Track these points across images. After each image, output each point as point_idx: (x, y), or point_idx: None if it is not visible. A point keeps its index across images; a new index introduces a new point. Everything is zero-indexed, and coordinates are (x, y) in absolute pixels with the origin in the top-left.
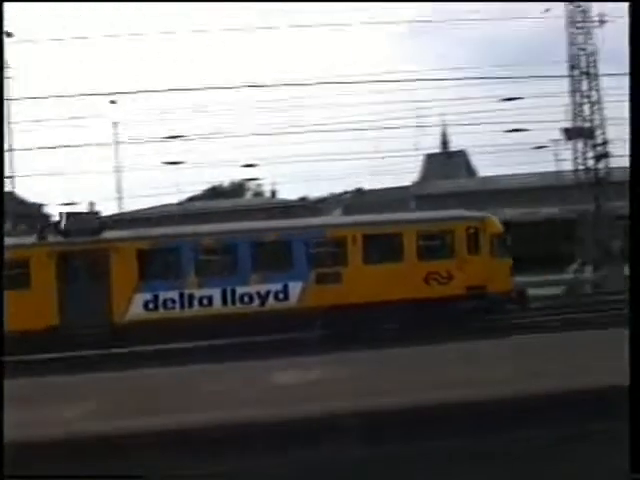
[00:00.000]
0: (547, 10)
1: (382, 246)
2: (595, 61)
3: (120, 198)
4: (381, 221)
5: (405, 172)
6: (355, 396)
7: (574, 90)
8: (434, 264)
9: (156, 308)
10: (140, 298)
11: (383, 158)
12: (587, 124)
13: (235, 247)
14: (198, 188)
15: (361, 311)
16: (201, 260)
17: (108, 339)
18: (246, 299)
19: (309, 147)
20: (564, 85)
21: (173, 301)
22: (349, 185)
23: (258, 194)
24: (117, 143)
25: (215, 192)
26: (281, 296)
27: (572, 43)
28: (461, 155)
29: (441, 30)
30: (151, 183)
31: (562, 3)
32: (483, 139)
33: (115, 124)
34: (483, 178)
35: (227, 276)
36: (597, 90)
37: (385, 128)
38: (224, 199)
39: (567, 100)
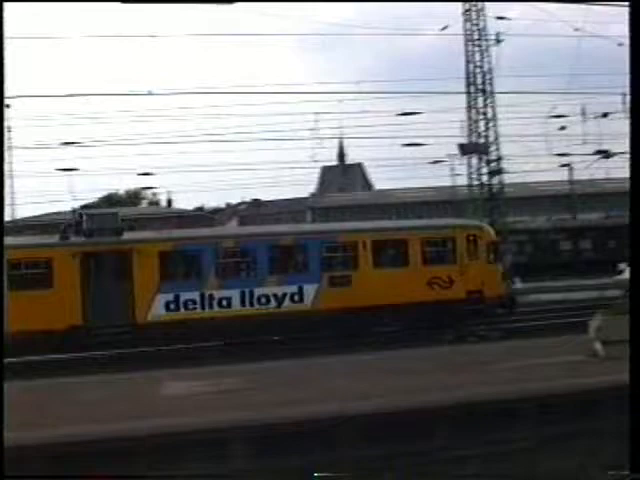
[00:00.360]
0: (445, 27)
1: (393, 249)
2: (491, 78)
3: (13, 205)
4: (389, 227)
5: (302, 184)
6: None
7: (470, 106)
8: (443, 269)
9: (177, 309)
10: (162, 299)
11: (282, 169)
12: (482, 140)
13: (254, 250)
14: (93, 196)
15: (369, 313)
16: (221, 262)
17: (131, 339)
18: (263, 300)
19: (206, 157)
20: (462, 101)
21: (194, 302)
22: (246, 196)
23: (154, 203)
24: (9, 148)
25: (110, 200)
26: (295, 298)
27: (469, 60)
28: (357, 168)
29: (344, 43)
30: (45, 190)
31: (460, 21)
32: (381, 152)
33: (8, 128)
34: (378, 191)
35: (246, 279)
36: (492, 107)
37: (284, 139)
38: (119, 207)
39: (464, 116)
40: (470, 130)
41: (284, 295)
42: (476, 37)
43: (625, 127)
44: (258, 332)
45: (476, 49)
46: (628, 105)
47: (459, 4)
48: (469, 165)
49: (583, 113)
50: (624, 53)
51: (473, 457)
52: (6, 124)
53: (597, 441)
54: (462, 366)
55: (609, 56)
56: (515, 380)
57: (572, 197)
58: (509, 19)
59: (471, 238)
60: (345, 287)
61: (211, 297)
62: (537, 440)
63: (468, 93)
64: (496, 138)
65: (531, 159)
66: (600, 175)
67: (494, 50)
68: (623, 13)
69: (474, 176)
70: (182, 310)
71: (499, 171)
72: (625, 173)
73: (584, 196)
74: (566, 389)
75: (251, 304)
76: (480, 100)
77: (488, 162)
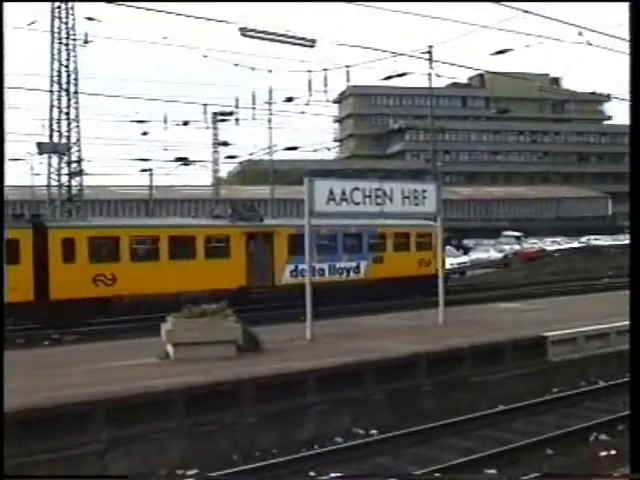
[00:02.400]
0: (33, 22)
1: (400, 240)
2: (76, 79)
3: None
4: (402, 224)
5: None
6: None
7: (53, 105)
8: (421, 254)
9: (297, 276)
10: (288, 268)
11: None
12: (64, 140)
13: (335, 236)
14: None
15: (392, 282)
16: (321, 243)
17: (272, 297)
18: (339, 271)
19: None
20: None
21: (300, 271)
22: None
23: None
24: None
25: None
26: (352, 271)
27: (55, 59)
28: None
29: None
30: None
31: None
32: None
33: None
34: None
35: (331, 255)
36: (76, 107)
37: None
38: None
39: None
40: (51, 129)
41: (349, 268)
42: (64, 35)
43: (205, 136)
44: (337, 293)
45: (63, 48)
46: (209, 115)
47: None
48: (49, 165)
49: (165, 120)
50: (197, 64)
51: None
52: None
53: (165, 441)
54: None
55: (192, 67)
56: (87, 384)
57: (149, 202)
58: (100, 21)
59: (435, 234)
60: (380, 264)
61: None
62: (106, 443)
63: (51, 92)
64: (78, 139)
65: (112, 162)
66: (180, 181)
67: (81, 50)
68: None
69: (54, 176)
70: (299, 277)
71: (79, 172)
72: (204, 180)
73: (164, 201)
74: (128, 392)
75: (334, 274)
76: (64, 100)
77: (69, 163)
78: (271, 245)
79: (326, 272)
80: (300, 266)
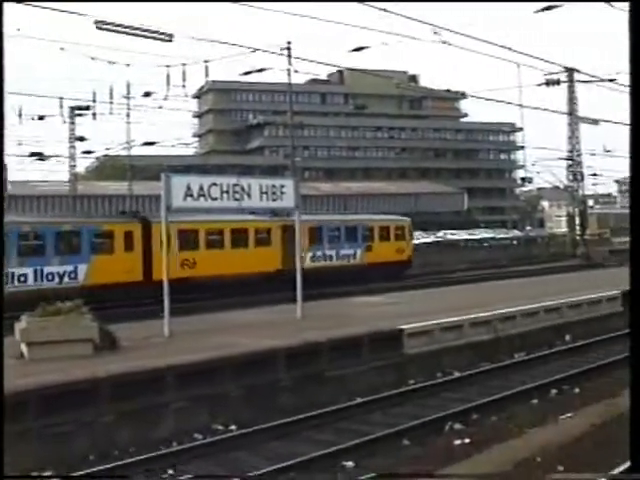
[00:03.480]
0: None
1: (383, 231)
2: None
3: None
4: (385, 219)
5: None
6: None
7: None
8: (398, 243)
9: (314, 261)
10: (309, 255)
11: None
12: None
13: (339, 228)
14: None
15: (378, 266)
16: (329, 234)
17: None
18: (342, 257)
19: None
20: None
21: (319, 257)
22: None
23: None
24: None
25: None
26: (351, 257)
27: None
28: None
29: None
30: None
31: None
32: None
33: None
34: None
35: (335, 243)
36: None
37: None
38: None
39: None
40: None
41: (349, 254)
42: None
43: (62, 131)
44: (340, 276)
45: None
46: (66, 109)
47: None
48: None
49: (20, 114)
50: (54, 57)
51: None
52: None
53: (16, 444)
54: None
55: (49, 60)
56: None
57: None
58: None
59: (408, 226)
60: (370, 251)
61: (325, 254)
62: None
63: None
64: None
65: None
66: (36, 177)
67: None
68: None
69: None
70: (316, 262)
71: None
72: (61, 176)
73: (19, 197)
74: None
75: (338, 259)
76: None
77: None
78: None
79: (334, 258)
80: (317, 253)
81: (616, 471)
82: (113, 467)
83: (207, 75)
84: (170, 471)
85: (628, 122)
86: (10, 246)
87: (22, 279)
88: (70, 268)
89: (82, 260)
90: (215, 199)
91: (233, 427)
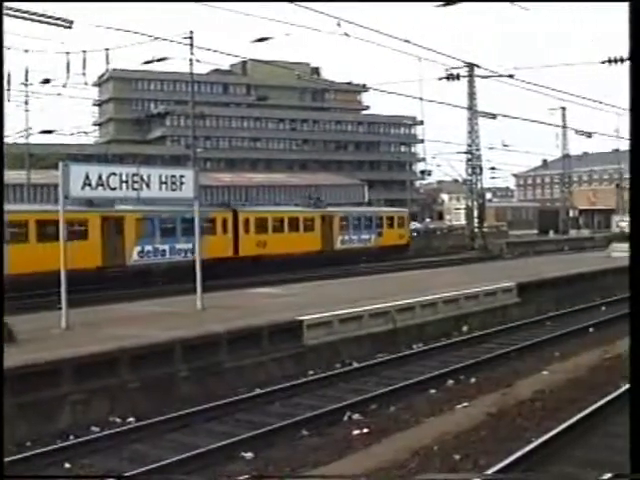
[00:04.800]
0: None
1: (390, 221)
2: None
3: None
4: (391, 211)
5: None
6: None
7: None
8: (400, 230)
9: (343, 243)
10: (339, 238)
11: None
12: None
13: (360, 218)
14: None
15: (386, 249)
16: (353, 222)
17: (332, 257)
18: (362, 241)
19: None
20: None
21: (346, 240)
22: None
23: None
24: None
25: None
26: (368, 241)
27: None
28: None
29: None
30: None
31: None
32: None
33: None
34: None
35: (357, 230)
36: None
37: None
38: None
39: None
40: None
41: (367, 238)
42: None
43: None
44: (360, 256)
45: None
46: None
47: None
48: None
49: None
50: None
51: None
52: None
53: None
54: None
55: None
56: None
57: None
58: None
59: (407, 216)
60: (381, 236)
61: (351, 238)
62: None
63: None
64: None
65: None
66: None
67: None
68: None
69: None
70: (344, 245)
71: None
72: None
73: None
74: None
75: (359, 243)
76: None
77: None
78: (331, 224)
79: (356, 241)
80: (345, 237)
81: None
82: (9, 462)
83: (108, 63)
84: (67, 465)
85: (525, 117)
86: (154, 228)
87: (162, 254)
88: (190, 246)
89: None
90: (114, 189)
91: (131, 419)
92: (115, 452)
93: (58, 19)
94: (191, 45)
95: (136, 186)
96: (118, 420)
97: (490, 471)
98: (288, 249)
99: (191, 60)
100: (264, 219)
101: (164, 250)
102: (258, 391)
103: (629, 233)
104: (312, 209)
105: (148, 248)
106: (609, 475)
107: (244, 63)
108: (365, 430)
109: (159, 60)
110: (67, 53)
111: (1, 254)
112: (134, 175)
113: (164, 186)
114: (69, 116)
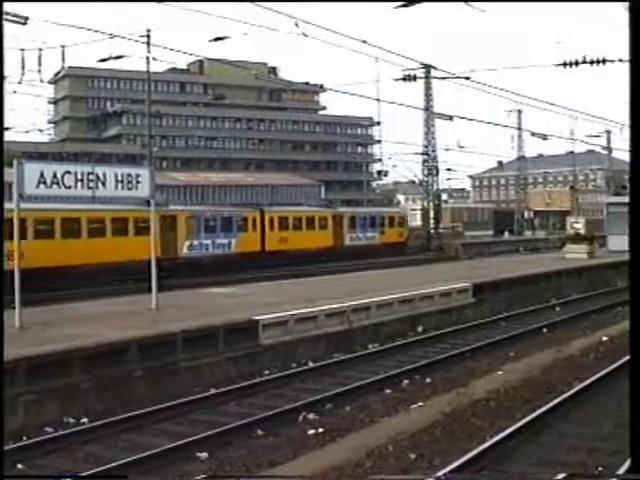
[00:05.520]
0: None
1: (391, 220)
2: None
3: None
4: (392, 211)
5: None
6: None
7: None
8: (399, 229)
9: (351, 241)
10: (348, 236)
11: None
12: None
13: (365, 217)
14: None
15: (389, 245)
16: (360, 222)
17: (341, 252)
18: (367, 238)
19: None
20: None
21: (353, 237)
22: None
23: None
24: None
25: None
26: (372, 238)
27: None
28: None
29: None
30: None
31: None
32: None
33: None
34: None
35: (364, 229)
36: None
37: None
38: None
39: None
40: None
41: (371, 236)
42: None
43: None
44: (366, 252)
45: None
46: None
47: None
48: None
49: None
50: None
51: None
52: None
53: None
54: None
55: None
56: None
57: None
58: None
59: (403, 215)
60: (383, 235)
61: (358, 236)
62: None
63: None
64: None
65: None
66: None
67: None
68: None
69: None
70: (353, 242)
71: None
72: None
73: None
74: None
75: (365, 240)
76: None
77: None
78: (341, 222)
79: (362, 239)
80: (352, 235)
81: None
82: None
83: (64, 60)
84: (20, 466)
85: (481, 119)
86: (200, 226)
87: (206, 247)
88: (227, 241)
89: (233, 236)
90: (69, 187)
91: (85, 420)
92: (69, 453)
93: (13, 15)
94: (148, 43)
95: (91, 185)
96: (72, 421)
97: (444, 470)
98: (305, 245)
99: (148, 58)
100: (286, 218)
101: (207, 244)
102: (213, 391)
103: (629, 233)
104: (325, 209)
105: (195, 242)
106: (563, 475)
107: (201, 62)
108: (320, 430)
109: (116, 58)
110: (22, 50)
111: (1, 254)
112: (89, 174)
113: (120, 185)
114: (24, 114)
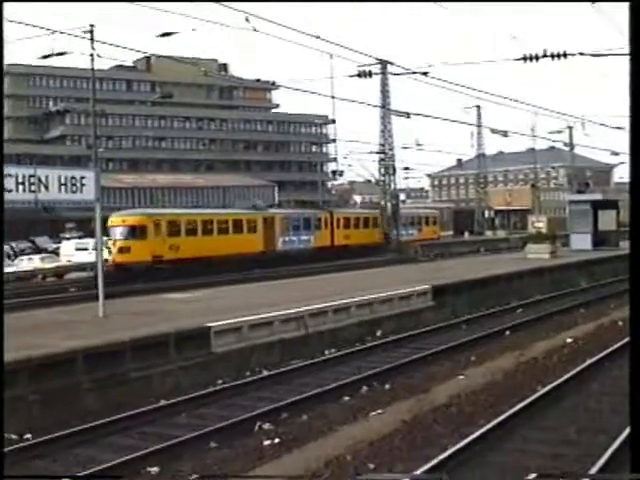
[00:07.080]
0: None
1: (425, 220)
2: None
3: None
4: (426, 212)
5: None
6: None
7: None
8: (434, 227)
9: (400, 236)
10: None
11: None
12: None
13: (409, 217)
14: None
15: (423, 241)
16: (404, 222)
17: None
18: (409, 235)
19: None
20: None
21: (402, 234)
22: None
23: None
24: None
25: None
26: (412, 235)
27: None
28: None
29: None
30: None
31: None
32: None
33: None
34: None
35: (407, 227)
36: None
37: None
38: None
39: None
40: None
41: (411, 233)
42: None
43: None
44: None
45: None
46: None
47: None
48: None
49: None
50: None
51: None
52: None
53: None
54: None
55: None
56: None
57: None
58: None
59: (438, 217)
60: (420, 232)
61: (407, 232)
62: None
63: None
64: None
65: None
66: None
67: None
68: None
69: None
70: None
71: None
72: None
73: None
74: None
75: (407, 236)
76: None
77: None
78: (375, 222)
79: (408, 235)
80: (402, 232)
81: None
82: None
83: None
84: None
85: (439, 116)
86: (289, 225)
87: (293, 243)
88: (307, 237)
89: (312, 233)
90: (10, 191)
91: (29, 435)
92: (17, 469)
93: None
94: (92, 39)
95: (33, 188)
96: (14, 437)
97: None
98: (361, 241)
99: (92, 55)
100: (349, 218)
101: (294, 240)
102: (163, 402)
103: (629, 232)
104: (369, 211)
105: (286, 239)
106: (534, 475)
107: (148, 59)
108: (277, 440)
109: (58, 54)
110: None
111: (1, 254)
112: (31, 176)
113: (64, 187)
114: None
